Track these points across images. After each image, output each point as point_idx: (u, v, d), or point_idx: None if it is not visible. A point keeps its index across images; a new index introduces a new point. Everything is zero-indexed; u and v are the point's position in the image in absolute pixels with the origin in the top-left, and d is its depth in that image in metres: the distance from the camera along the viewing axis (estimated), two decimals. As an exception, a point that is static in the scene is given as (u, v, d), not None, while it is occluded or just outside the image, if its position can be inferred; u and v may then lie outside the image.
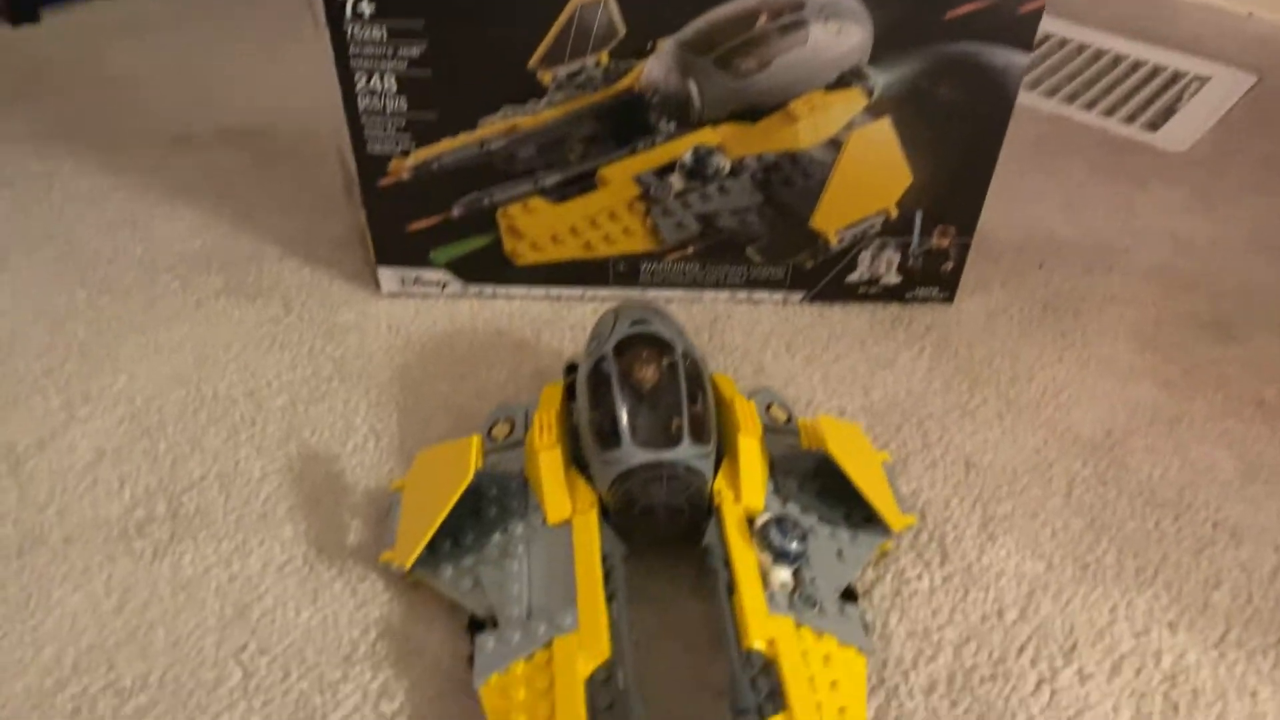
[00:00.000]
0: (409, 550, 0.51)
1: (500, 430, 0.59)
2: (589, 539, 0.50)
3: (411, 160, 0.66)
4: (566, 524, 0.51)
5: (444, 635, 0.51)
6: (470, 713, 0.47)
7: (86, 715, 0.47)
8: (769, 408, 0.61)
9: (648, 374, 0.54)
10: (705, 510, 0.52)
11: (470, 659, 0.47)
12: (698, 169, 0.67)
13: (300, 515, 0.58)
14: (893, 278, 0.74)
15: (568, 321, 0.73)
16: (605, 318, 0.59)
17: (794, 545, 0.49)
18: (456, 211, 0.69)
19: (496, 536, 0.52)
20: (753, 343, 0.72)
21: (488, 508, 0.53)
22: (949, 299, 0.75)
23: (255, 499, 0.59)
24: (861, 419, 0.66)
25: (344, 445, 0.63)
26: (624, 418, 0.51)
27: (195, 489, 0.60)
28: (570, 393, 0.59)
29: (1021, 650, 0.51)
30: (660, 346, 0.55)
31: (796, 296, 0.75)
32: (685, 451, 0.50)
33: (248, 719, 0.47)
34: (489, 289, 0.74)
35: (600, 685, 0.44)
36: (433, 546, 0.52)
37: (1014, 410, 0.66)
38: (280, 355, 0.70)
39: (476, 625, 0.49)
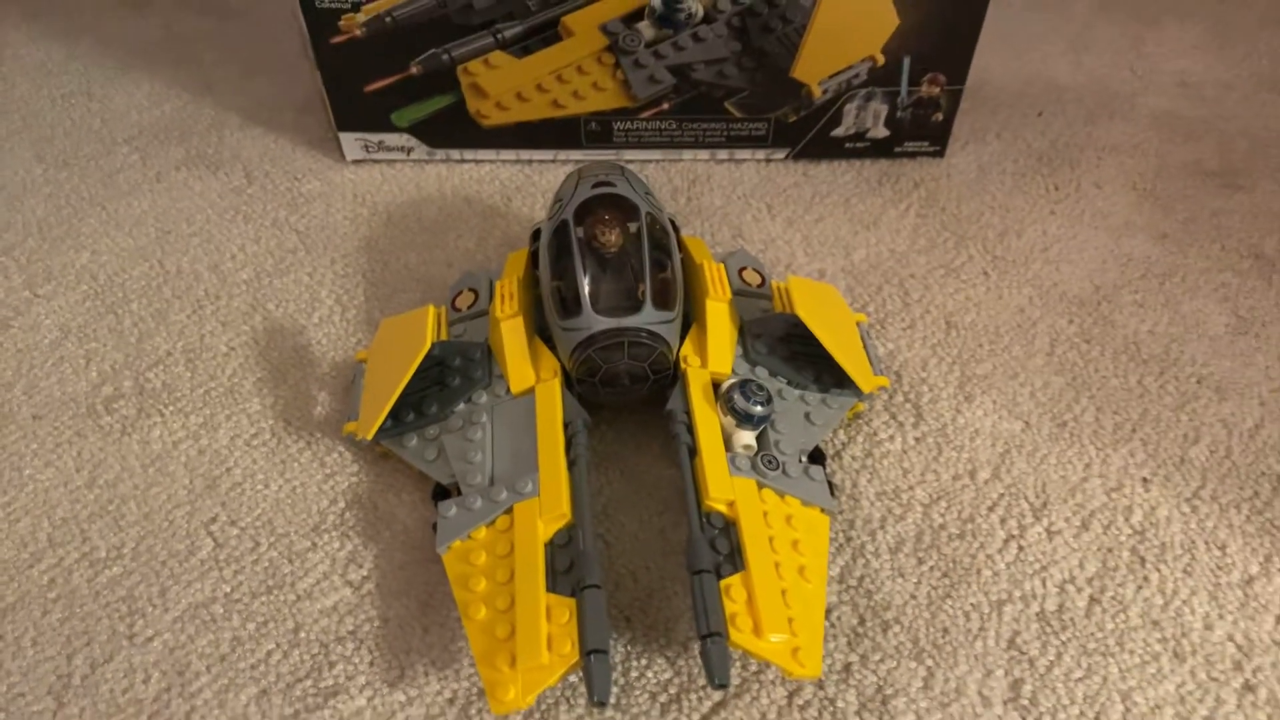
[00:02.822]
0: (370, 421, 0.50)
1: (464, 300, 0.57)
2: (551, 406, 0.49)
3: (363, 15, 0.63)
4: (530, 393, 0.51)
5: (412, 503, 0.51)
6: (437, 578, 0.48)
7: (62, 586, 0.48)
8: (741, 271, 0.59)
9: (610, 238, 0.52)
10: (669, 376, 0.51)
11: (435, 526, 0.47)
12: (668, 15, 0.63)
13: (267, 389, 0.57)
14: (880, 131, 0.70)
15: (539, 186, 0.70)
16: (568, 179, 0.56)
17: (758, 409, 0.48)
18: (415, 69, 0.65)
19: (460, 406, 0.51)
20: (732, 205, 0.69)
21: (451, 378, 0.53)
22: (939, 153, 0.72)
23: (221, 373, 0.58)
24: (842, 281, 0.64)
25: (309, 317, 0.62)
26: (585, 284, 0.49)
27: (161, 365, 0.59)
28: (535, 259, 0.57)
29: (992, 508, 0.51)
30: (624, 209, 0.53)
31: (780, 154, 0.72)
32: (648, 317, 0.49)
33: (219, 588, 0.48)
34: (456, 154, 0.71)
35: (559, 549, 0.44)
36: (397, 416, 0.51)
37: (1000, 267, 0.64)
38: (244, 228, 0.68)
39: (441, 493, 0.49)
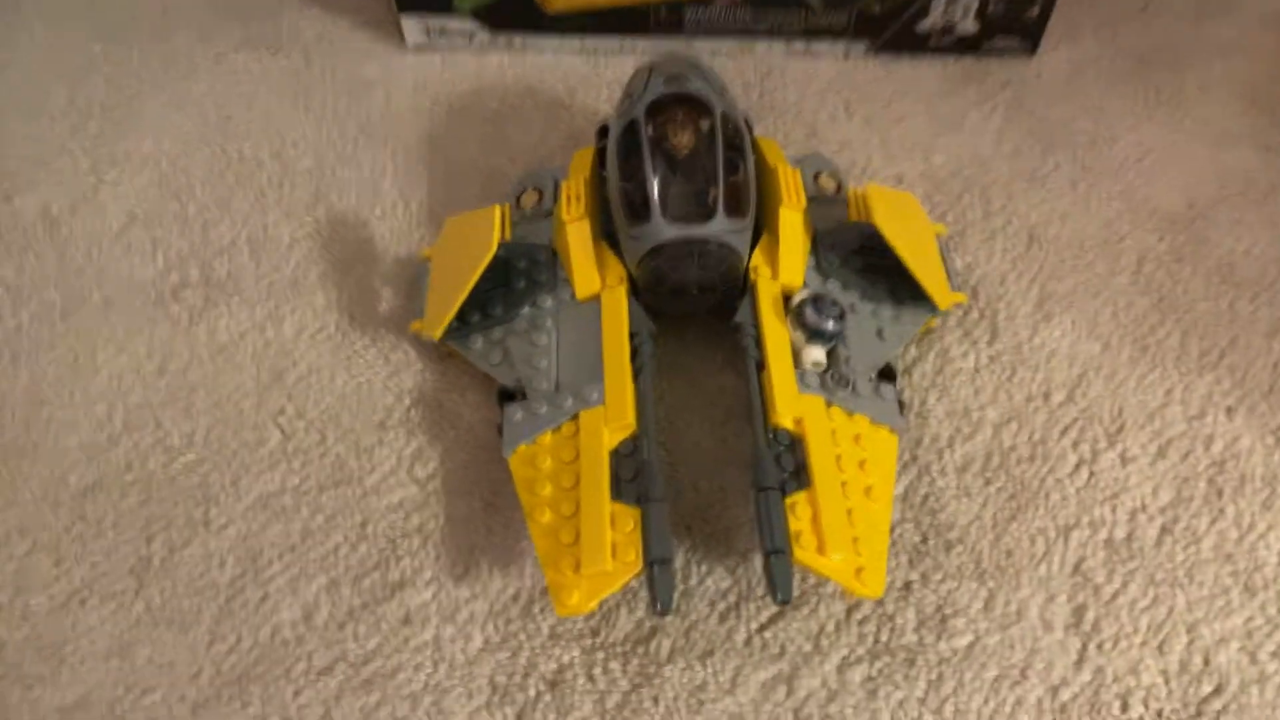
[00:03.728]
0: (437, 322, 0.50)
1: (529, 199, 0.56)
2: (617, 314, 0.48)
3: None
4: (595, 299, 0.50)
5: (476, 403, 0.51)
6: (501, 478, 0.48)
7: (139, 470, 0.50)
8: (817, 176, 0.57)
9: (682, 139, 0.50)
10: (739, 287, 0.49)
11: (500, 428, 0.47)
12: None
13: (331, 282, 0.57)
14: (969, 26, 0.66)
15: (604, 78, 0.68)
16: (638, 74, 0.54)
17: (829, 324, 0.46)
18: (479, -51, 0.62)
19: (526, 309, 0.51)
20: (807, 101, 0.66)
21: (516, 280, 0.52)
22: (1031, 50, 0.67)
23: (285, 265, 0.58)
24: (920, 187, 0.61)
25: (372, 210, 0.61)
26: (654, 189, 0.48)
27: (226, 254, 0.59)
28: (602, 158, 0.55)
29: (1064, 432, 0.50)
30: (697, 107, 0.51)
31: (860, 47, 0.68)
32: (719, 226, 0.47)
33: (288, 479, 0.49)
34: (519, 40, 0.68)
35: (624, 458, 0.44)
36: (462, 317, 0.51)
37: (1089, 177, 0.61)
38: (304, 114, 0.66)
39: (506, 396, 0.49)
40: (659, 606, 0.39)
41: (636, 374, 0.46)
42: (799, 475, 0.43)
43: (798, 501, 0.42)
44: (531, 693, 0.42)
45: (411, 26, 0.68)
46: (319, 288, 0.57)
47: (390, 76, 0.68)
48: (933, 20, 0.65)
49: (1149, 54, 0.67)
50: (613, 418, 0.44)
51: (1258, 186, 0.60)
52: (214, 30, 0.72)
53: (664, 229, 0.47)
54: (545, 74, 0.68)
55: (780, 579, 0.39)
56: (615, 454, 0.44)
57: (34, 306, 0.57)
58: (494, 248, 0.48)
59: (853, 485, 0.43)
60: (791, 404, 0.44)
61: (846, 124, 0.64)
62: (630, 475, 0.43)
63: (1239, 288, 0.55)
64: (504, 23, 0.67)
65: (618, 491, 0.42)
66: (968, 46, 0.67)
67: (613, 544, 0.40)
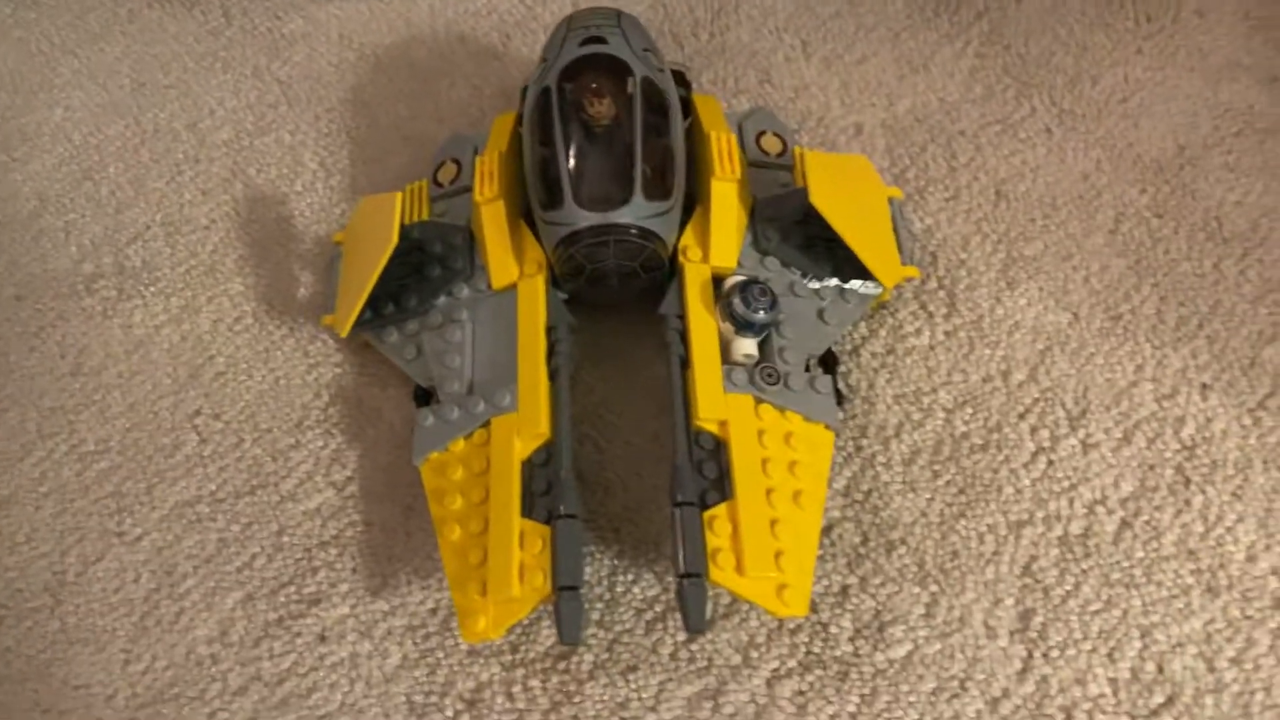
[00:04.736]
0: (345, 318, 0.47)
1: (446, 173, 0.52)
2: (533, 308, 0.45)
3: None
4: (513, 288, 0.46)
5: (397, 399, 0.49)
6: (420, 480, 0.46)
7: (52, 480, 0.48)
8: (760, 137, 0.51)
9: (600, 109, 0.45)
10: (667, 271, 0.46)
11: (415, 431, 0.45)
12: None
13: (249, 267, 0.54)
14: (940, -53, 0.59)
15: (541, 20, 0.62)
16: (555, 31, 0.49)
17: (760, 315, 0.43)
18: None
19: (441, 300, 0.47)
20: (761, 41, 0.60)
21: (431, 267, 0.48)
22: (1012, -28, 0.61)
23: (202, 249, 0.55)
24: (881, 138, 0.56)
25: (291, 184, 0.57)
26: (566, 171, 0.43)
27: (140, 240, 0.56)
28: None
29: (1023, 416, 0.46)
30: (617, 70, 0.46)
31: (820, -24, 0.61)
32: (638, 211, 0.43)
33: (204, 486, 0.47)
34: (449, -17, 0.63)
35: (538, 468, 0.41)
36: (375, 308, 0.48)
37: (1067, 122, 0.55)
38: (222, 77, 0.62)
39: (422, 396, 0.46)
40: (565, 639, 0.37)
41: (553, 375, 0.43)
42: (721, 484, 0.40)
43: (717, 515, 0.39)
44: (449, 712, 0.41)
45: (332, -27, 0.63)
46: (236, 273, 0.54)
47: (313, 30, 0.63)
48: (899, -56, 0.59)
49: (1143, -29, 0.60)
50: (525, 425, 0.42)
51: (1256, 125, 0.54)
52: (127, -18, 0.67)
53: (577, 215, 0.43)
54: (478, 18, 0.63)
55: (693, 606, 0.37)
56: (528, 464, 0.41)
57: (-57, 304, 0.54)
58: (394, 241, 0.44)
59: (780, 492, 0.40)
60: (716, 405, 0.41)
61: (804, 66, 0.59)
62: (543, 488, 0.41)
63: (1226, 244, 0.50)
64: (430, -35, 0.62)
65: (529, 507, 0.40)
66: (941, -30, 0.60)
67: (520, 566, 0.38)
